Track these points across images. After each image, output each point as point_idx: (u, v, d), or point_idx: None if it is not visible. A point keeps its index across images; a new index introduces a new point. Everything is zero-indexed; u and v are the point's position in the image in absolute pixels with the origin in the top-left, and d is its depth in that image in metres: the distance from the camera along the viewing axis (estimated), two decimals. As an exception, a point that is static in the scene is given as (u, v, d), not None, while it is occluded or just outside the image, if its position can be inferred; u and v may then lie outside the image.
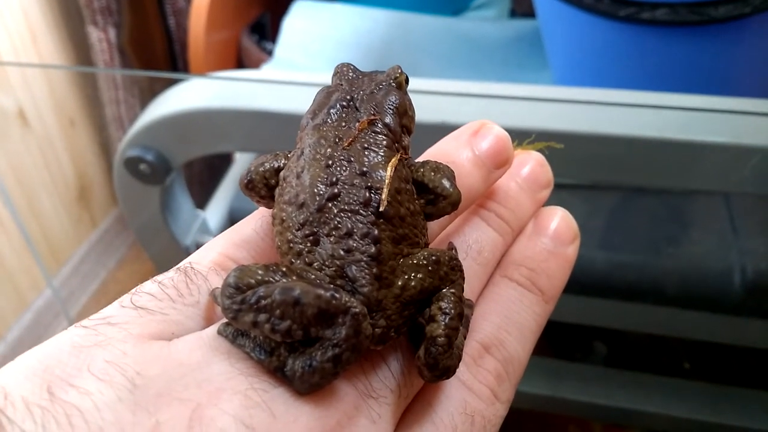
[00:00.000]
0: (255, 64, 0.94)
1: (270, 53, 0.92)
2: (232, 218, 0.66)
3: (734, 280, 0.55)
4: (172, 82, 0.53)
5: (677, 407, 0.64)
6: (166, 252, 0.60)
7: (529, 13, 0.88)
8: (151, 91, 1.04)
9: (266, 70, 0.85)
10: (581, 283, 0.56)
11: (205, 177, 1.05)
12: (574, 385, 0.66)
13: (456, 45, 0.85)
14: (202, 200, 0.68)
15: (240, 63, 1.00)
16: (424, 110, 0.45)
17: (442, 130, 0.43)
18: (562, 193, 0.61)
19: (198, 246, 0.61)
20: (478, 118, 0.44)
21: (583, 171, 0.48)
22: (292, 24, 0.88)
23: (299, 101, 0.48)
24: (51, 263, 1.23)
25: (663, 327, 0.61)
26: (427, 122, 0.44)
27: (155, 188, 0.53)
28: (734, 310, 0.55)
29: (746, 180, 0.43)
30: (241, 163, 0.75)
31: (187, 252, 0.60)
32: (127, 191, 0.54)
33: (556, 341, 0.80)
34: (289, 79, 0.52)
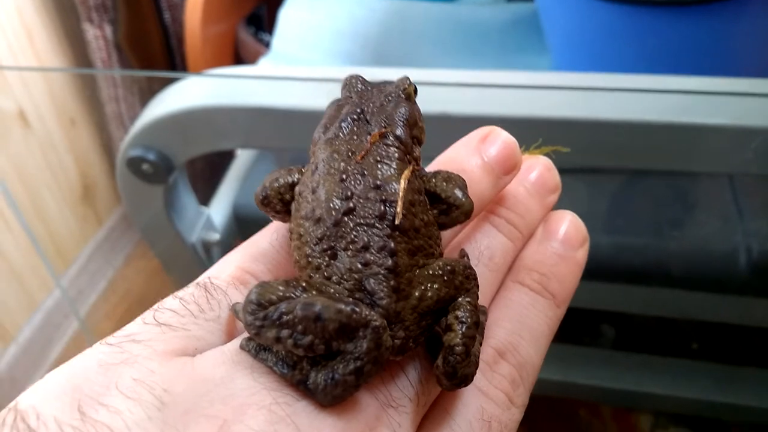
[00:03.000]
0: (252, 57, 0.94)
1: (267, 45, 0.92)
2: (237, 214, 0.66)
3: (740, 260, 0.55)
4: (171, 80, 0.53)
5: (686, 388, 0.64)
6: (171, 250, 0.60)
7: (527, -4, 0.87)
8: (150, 89, 1.04)
9: (264, 64, 0.85)
10: (587, 267, 0.56)
11: (207, 173, 1.04)
12: (583, 369, 0.67)
13: (454, 31, 0.84)
14: (205, 196, 0.68)
15: (237, 56, 0.99)
16: (425, 102, 0.45)
17: (445, 121, 0.43)
18: (565, 177, 0.60)
19: (203, 243, 0.61)
20: (480, 108, 0.44)
21: (586, 156, 0.48)
22: (288, 15, 0.87)
23: (298, 97, 0.48)
24: (58, 263, 1.23)
25: (670, 309, 0.61)
26: (429, 114, 0.44)
27: (158, 187, 0.53)
28: (740, 290, 0.55)
29: (749, 161, 0.43)
30: (243, 158, 0.74)
31: (192, 249, 0.60)
32: (130, 191, 0.54)
33: (564, 326, 0.80)
34: (287, 74, 0.51)
